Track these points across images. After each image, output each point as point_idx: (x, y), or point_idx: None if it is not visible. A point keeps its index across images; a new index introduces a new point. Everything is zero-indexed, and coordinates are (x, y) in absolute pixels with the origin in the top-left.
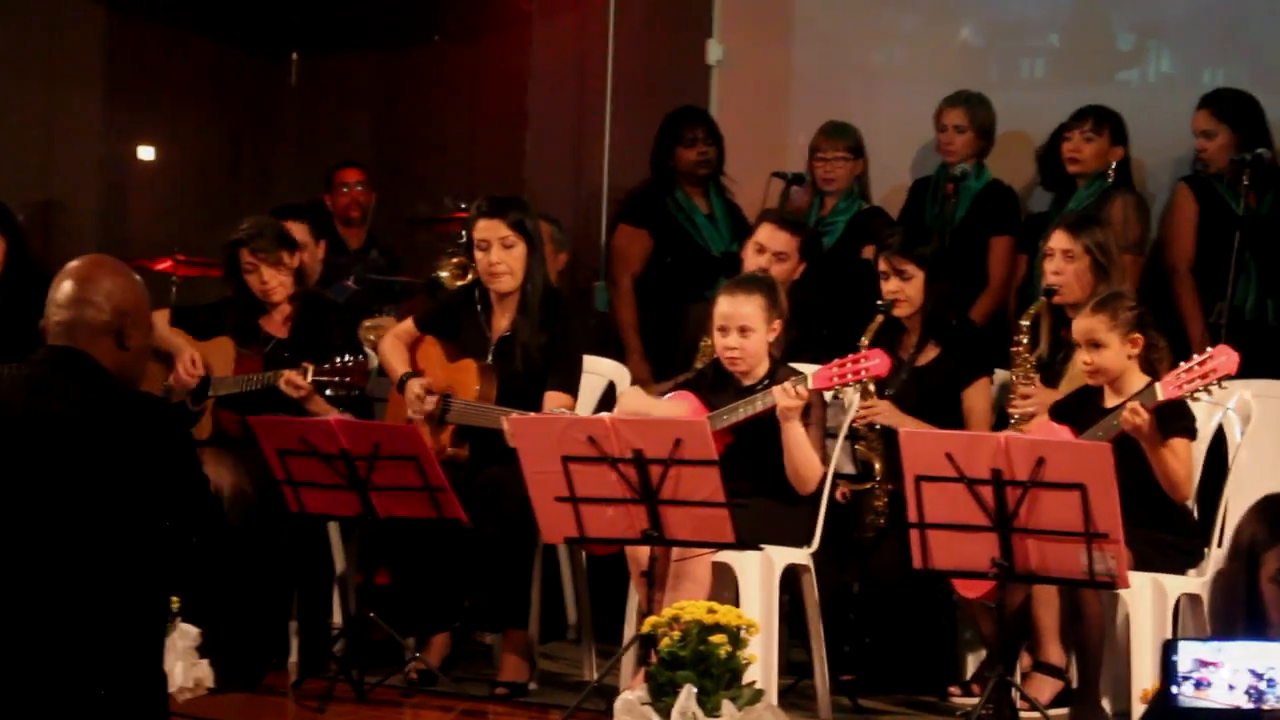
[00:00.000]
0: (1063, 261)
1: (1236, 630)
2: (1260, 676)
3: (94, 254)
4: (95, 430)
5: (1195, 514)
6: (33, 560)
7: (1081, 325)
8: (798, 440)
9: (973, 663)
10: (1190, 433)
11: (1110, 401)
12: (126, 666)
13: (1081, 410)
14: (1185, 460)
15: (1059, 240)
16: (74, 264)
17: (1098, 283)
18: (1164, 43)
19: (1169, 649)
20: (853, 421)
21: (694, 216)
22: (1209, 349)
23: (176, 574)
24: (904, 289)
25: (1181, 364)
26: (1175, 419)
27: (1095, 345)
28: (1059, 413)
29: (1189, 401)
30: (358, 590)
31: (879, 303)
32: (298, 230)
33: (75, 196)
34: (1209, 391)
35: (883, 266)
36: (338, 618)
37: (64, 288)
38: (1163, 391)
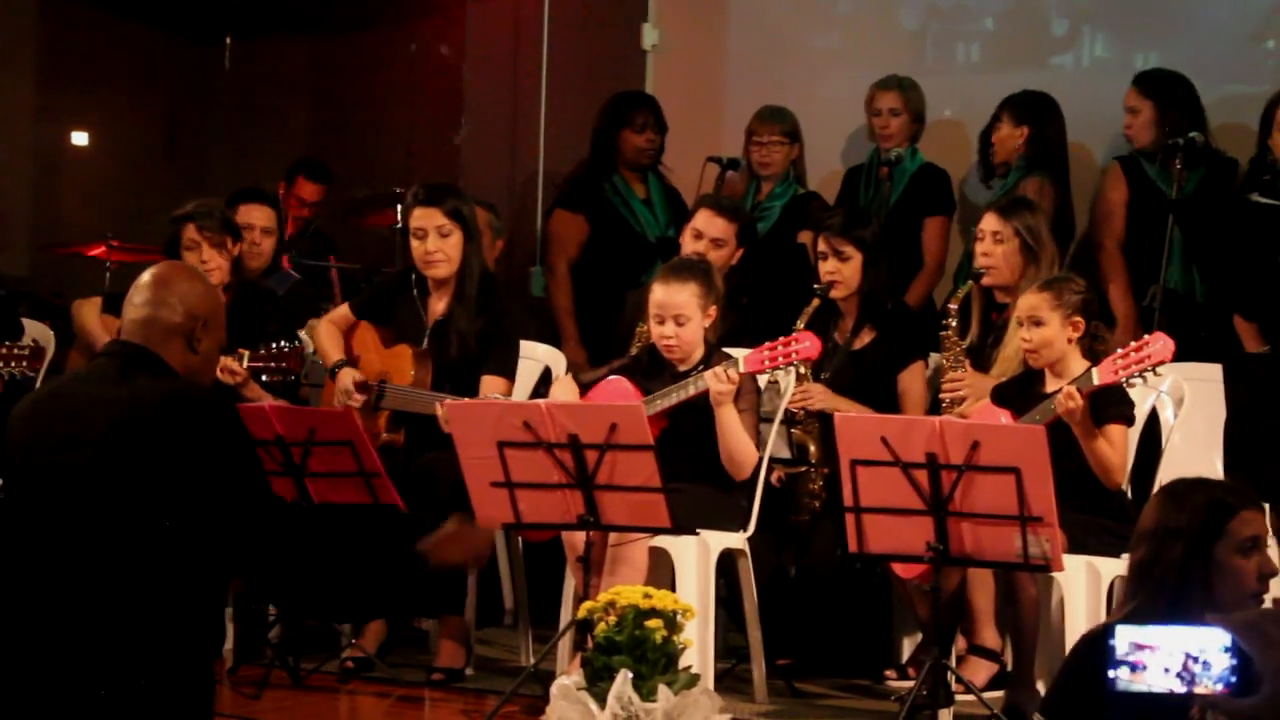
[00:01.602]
0: (992, 244)
1: (1159, 609)
2: (1194, 659)
3: (172, 260)
4: (150, 417)
5: (1129, 496)
6: (76, 546)
7: (1026, 301)
8: (731, 425)
9: (908, 646)
10: (1128, 419)
11: (1050, 386)
12: (167, 654)
13: (1022, 395)
14: (1120, 447)
15: (989, 222)
16: (154, 268)
17: (1027, 265)
18: (1097, 27)
19: (1107, 633)
20: (788, 406)
21: (631, 201)
22: (1146, 335)
23: (239, 558)
24: (841, 270)
25: (1118, 350)
26: (1114, 404)
27: (1036, 323)
28: (1000, 397)
29: (1126, 387)
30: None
31: (816, 285)
32: (260, 214)
33: (8, 182)
34: (1144, 378)
35: (821, 247)
36: (273, 604)
37: (141, 288)
38: (1098, 376)
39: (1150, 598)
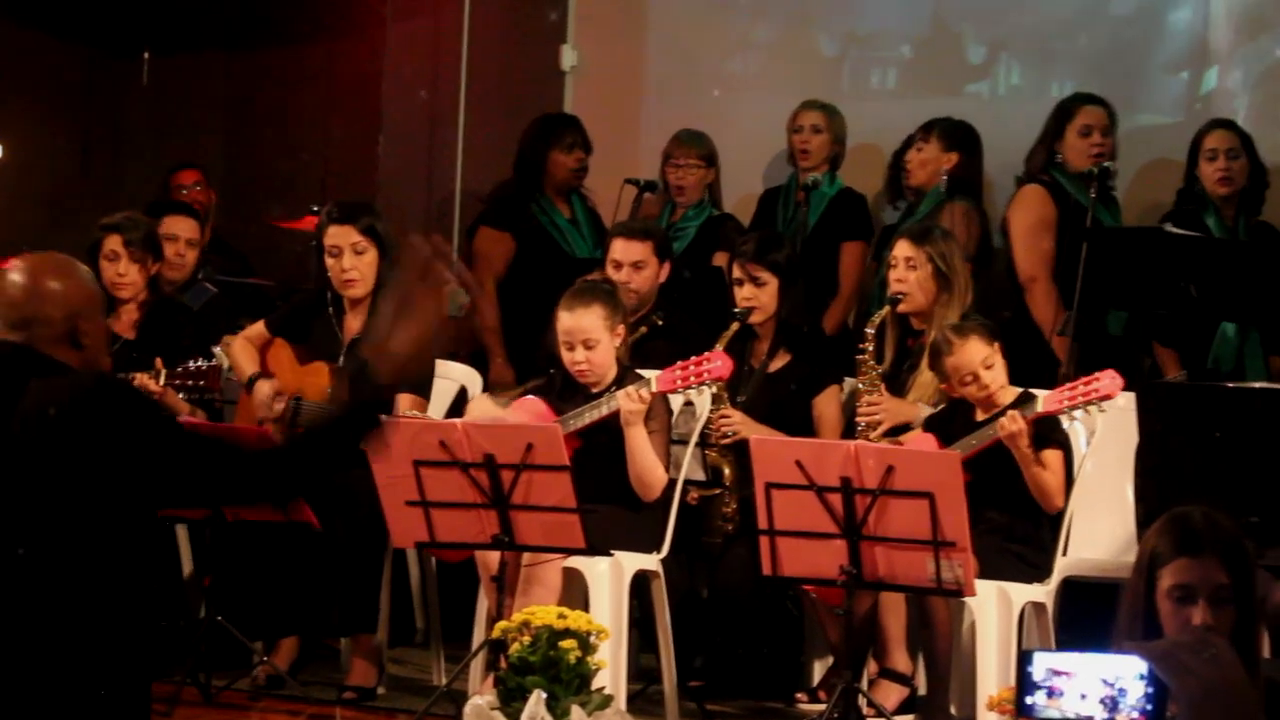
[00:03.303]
0: (905, 270)
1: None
2: (1112, 686)
3: (35, 254)
4: (64, 414)
5: (1045, 525)
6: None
7: (974, 356)
8: (640, 445)
9: (819, 669)
10: (1062, 444)
11: (981, 414)
12: (98, 676)
13: (953, 423)
14: (1058, 471)
15: (902, 249)
16: (15, 269)
17: (940, 291)
18: (1014, 56)
19: (1024, 659)
20: (705, 429)
21: (557, 220)
22: (1097, 372)
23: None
24: (758, 296)
25: (1069, 382)
26: (1048, 430)
27: (990, 368)
28: (932, 428)
29: (1066, 419)
30: (205, 593)
31: (735, 310)
32: (185, 225)
33: None
34: (1088, 411)
35: (737, 273)
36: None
37: (9, 294)
38: (1043, 404)
39: (1128, 628)
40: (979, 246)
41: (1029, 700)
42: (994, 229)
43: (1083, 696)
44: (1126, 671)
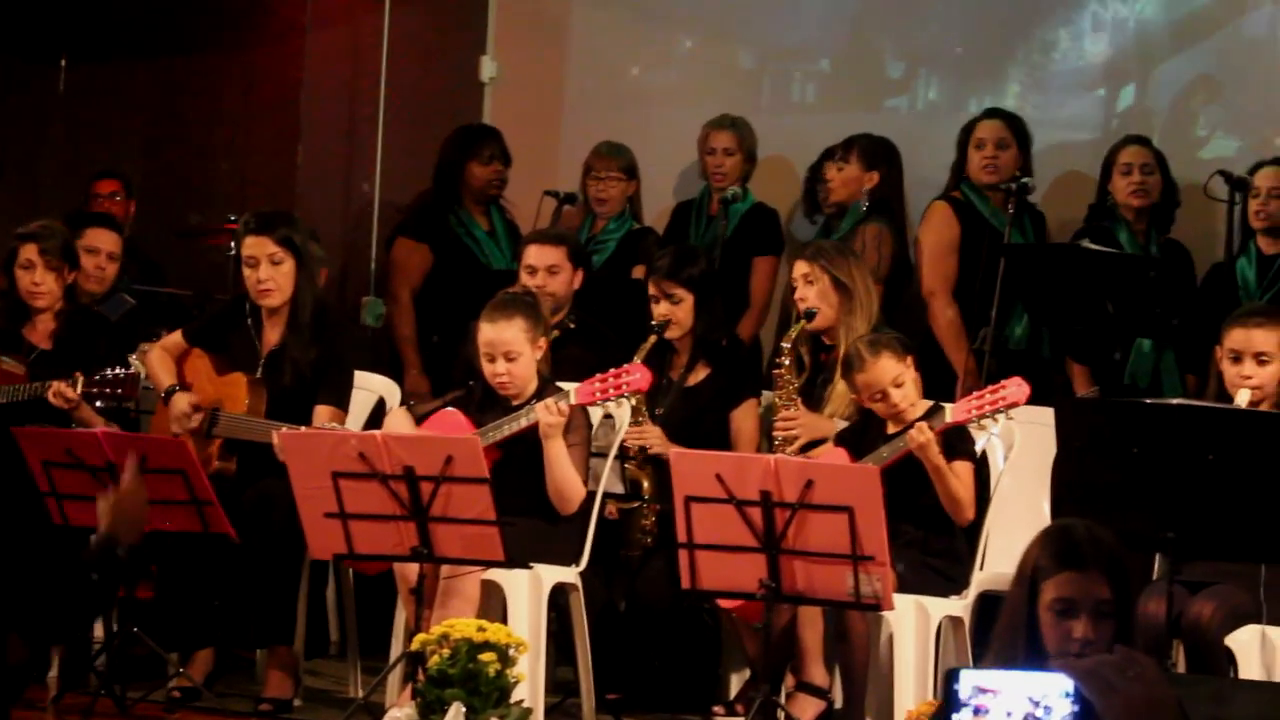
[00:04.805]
0: (804, 287)
1: (1018, 656)
2: (1036, 704)
3: None
4: None
5: (961, 539)
6: None
7: (886, 374)
8: (559, 458)
9: (736, 682)
10: (971, 455)
11: (892, 428)
12: None
13: (865, 436)
14: (968, 482)
15: (797, 269)
16: None
17: (844, 301)
18: (933, 71)
19: (951, 677)
20: (623, 442)
21: (475, 232)
22: (1003, 380)
23: None
24: (675, 312)
25: (975, 391)
26: (957, 441)
27: (899, 386)
28: (843, 443)
29: (978, 429)
30: (120, 604)
31: (653, 324)
32: (107, 239)
33: None
34: (995, 420)
35: (652, 290)
36: (99, 632)
37: None
38: (951, 415)
39: (1010, 639)
40: (895, 265)
41: (955, 718)
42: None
43: (1008, 714)
44: (1052, 689)
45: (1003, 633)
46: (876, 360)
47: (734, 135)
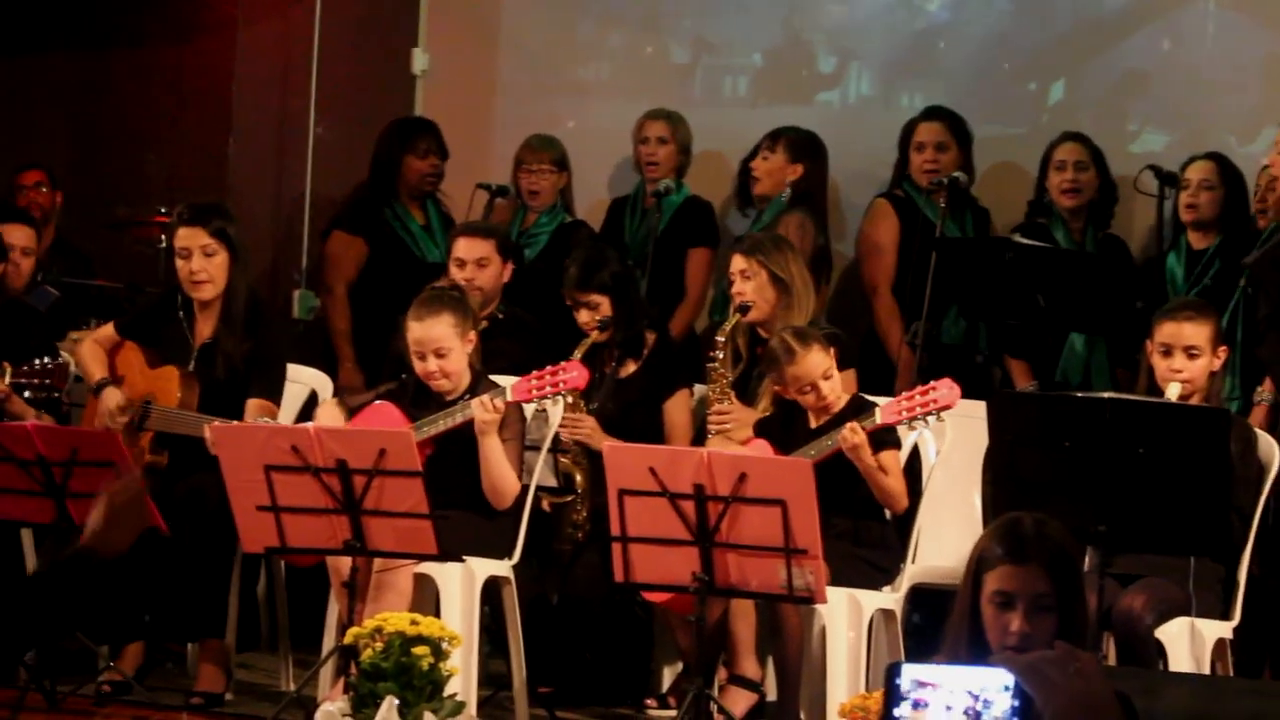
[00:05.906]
0: (742, 282)
1: (962, 648)
2: (976, 698)
3: None
4: None
5: (891, 530)
6: None
7: (814, 368)
8: (494, 454)
9: (669, 675)
10: (897, 444)
11: (815, 421)
12: None
13: (788, 427)
14: (897, 472)
15: (735, 263)
16: None
17: (781, 296)
18: (865, 65)
19: (892, 671)
20: (557, 435)
21: (410, 226)
22: (933, 381)
23: None
24: (595, 316)
25: (905, 392)
26: (883, 433)
27: (828, 378)
28: (762, 430)
29: (909, 430)
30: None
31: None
32: (21, 234)
33: None
34: (926, 421)
35: (568, 301)
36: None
37: None
38: (882, 416)
39: (957, 631)
40: (816, 257)
41: (896, 713)
42: (839, 237)
43: (948, 708)
44: (992, 684)
45: (953, 624)
46: (807, 353)
47: (667, 125)
